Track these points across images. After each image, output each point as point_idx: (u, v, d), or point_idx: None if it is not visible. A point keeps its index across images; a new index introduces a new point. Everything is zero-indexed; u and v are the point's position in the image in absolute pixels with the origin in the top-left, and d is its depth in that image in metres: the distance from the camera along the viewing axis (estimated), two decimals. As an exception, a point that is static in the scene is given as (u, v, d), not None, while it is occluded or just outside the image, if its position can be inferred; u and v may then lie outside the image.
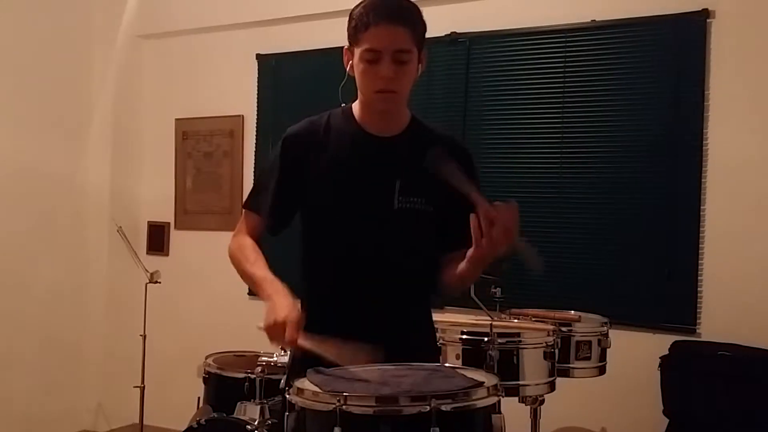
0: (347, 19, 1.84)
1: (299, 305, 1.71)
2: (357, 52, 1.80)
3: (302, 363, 1.85)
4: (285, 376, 1.98)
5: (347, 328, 1.84)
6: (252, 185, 2.05)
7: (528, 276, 3.67)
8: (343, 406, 1.36)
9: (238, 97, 4.65)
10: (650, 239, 3.57)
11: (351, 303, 1.84)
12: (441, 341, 2.57)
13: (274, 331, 1.63)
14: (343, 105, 1.97)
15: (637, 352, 3.39)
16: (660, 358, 3.34)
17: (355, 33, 1.80)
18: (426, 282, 1.94)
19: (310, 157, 1.87)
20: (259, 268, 1.82)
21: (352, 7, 1.85)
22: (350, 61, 1.86)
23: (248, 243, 1.92)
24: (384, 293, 1.85)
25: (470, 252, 1.72)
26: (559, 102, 3.76)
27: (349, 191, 1.86)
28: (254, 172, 4.54)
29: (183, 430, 2.85)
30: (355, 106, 1.94)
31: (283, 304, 1.66)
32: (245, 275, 1.88)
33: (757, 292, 3.34)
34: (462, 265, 1.84)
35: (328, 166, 1.86)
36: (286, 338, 1.62)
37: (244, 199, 2.02)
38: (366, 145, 1.89)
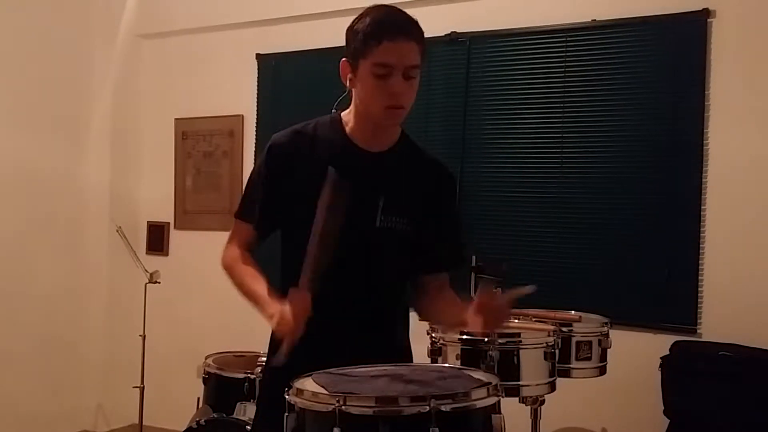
0: (351, 33, 1.80)
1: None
2: (364, 66, 1.76)
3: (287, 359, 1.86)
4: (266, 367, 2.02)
5: (325, 342, 1.83)
6: (242, 194, 2.01)
7: (528, 276, 3.68)
8: (343, 407, 1.35)
9: (238, 97, 4.65)
10: (651, 239, 3.56)
11: (328, 318, 1.81)
12: (441, 341, 2.57)
13: (285, 329, 1.64)
14: (333, 111, 1.94)
15: (638, 353, 3.39)
16: (660, 358, 3.34)
17: (363, 47, 1.76)
18: (403, 301, 1.94)
19: (296, 167, 1.85)
20: (260, 286, 1.82)
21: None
22: (349, 75, 1.82)
23: (244, 255, 1.92)
24: (361, 310, 1.85)
25: (465, 318, 1.75)
26: (560, 102, 3.75)
27: None
28: (254, 172, 4.55)
29: (183, 430, 2.86)
30: (346, 117, 1.90)
31: (286, 311, 1.67)
32: (245, 289, 1.87)
33: (757, 292, 3.33)
34: (450, 318, 1.91)
35: (312, 177, 1.77)
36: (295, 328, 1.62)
37: (236, 208, 2.00)
38: (353, 159, 1.86)
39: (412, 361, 2.00)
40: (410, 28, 1.78)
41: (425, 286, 1.96)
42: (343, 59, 1.84)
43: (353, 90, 1.85)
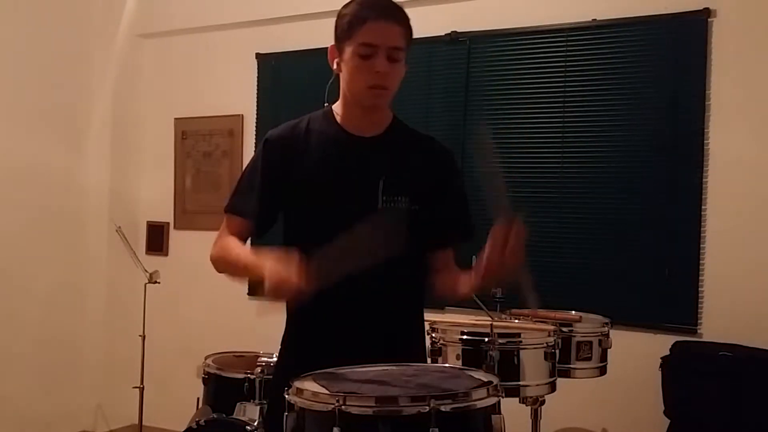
0: (338, 17, 1.88)
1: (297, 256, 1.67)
2: (350, 47, 1.82)
3: (293, 359, 1.85)
4: (275, 371, 2.01)
5: (332, 329, 1.83)
6: (233, 189, 2.00)
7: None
8: (343, 407, 1.35)
9: (238, 96, 4.64)
10: (651, 239, 3.56)
11: (336, 304, 1.82)
12: (441, 342, 2.56)
13: (282, 286, 1.61)
14: (326, 105, 1.97)
15: (638, 353, 3.38)
16: (661, 358, 3.33)
17: (348, 29, 1.82)
18: (413, 281, 1.94)
19: (293, 160, 1.87)
20: (246, 253, 1.81)
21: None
22: (336, 59, 1.88)
23: (231, 240, 1.91)
24: (370, 293, 1.84)
25: (480, 264, 1.76)
26: (560, 101, 3.75)
27: (332, 192, 1.86)
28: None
29: (182, 430, 2.85)
30: (337, 107, 1.94)
31: (282, 261, 1.64)
32: (233, 265, 1.85)
33: (758, 292, 3.33)
34: (465, 277, 1.87)
35: (310, 168, 1.86)
36: (296, 289, 1.60)
37: (225, 203, 1.99)
38: (348, 146, 1.89)
39: (425, 346, 2.02)
40: (394, 11, 1.84)
41: (434, 263, 1.97)
42: (331, 45, 1.90)
43: (340, 75, 1.89)
